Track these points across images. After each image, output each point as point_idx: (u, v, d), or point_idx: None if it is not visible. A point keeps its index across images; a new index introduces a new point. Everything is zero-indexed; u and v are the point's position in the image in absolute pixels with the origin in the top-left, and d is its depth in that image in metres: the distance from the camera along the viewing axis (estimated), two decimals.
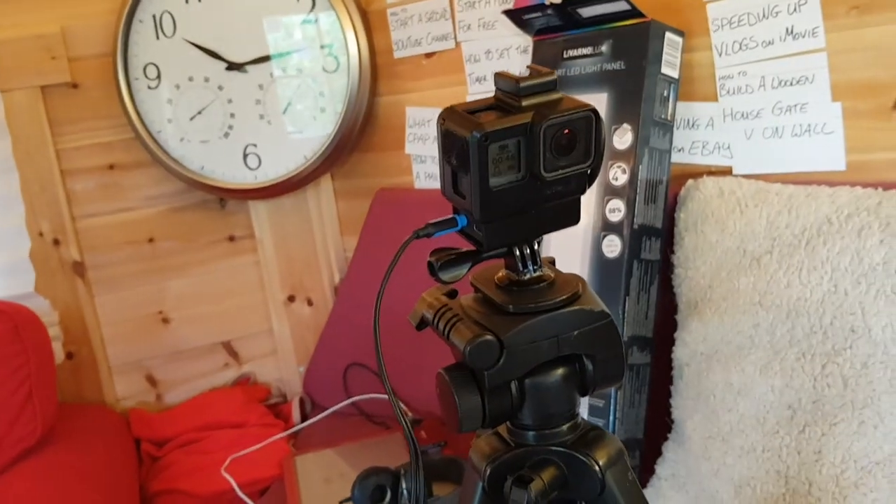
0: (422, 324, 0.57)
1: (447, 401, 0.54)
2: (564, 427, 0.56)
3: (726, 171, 1.20)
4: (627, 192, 1.12)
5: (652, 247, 1.16)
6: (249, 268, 1.77)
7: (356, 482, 1.28)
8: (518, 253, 0.55)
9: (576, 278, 0.56)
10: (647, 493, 1.15)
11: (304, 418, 1.69)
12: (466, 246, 0.56)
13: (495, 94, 0.53)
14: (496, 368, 0.52)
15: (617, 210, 1.13)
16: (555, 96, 0.51)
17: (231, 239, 1.75)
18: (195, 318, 1.74)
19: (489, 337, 0.52)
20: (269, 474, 1.49)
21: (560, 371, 0.55)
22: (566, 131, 0.51)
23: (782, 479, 0.99)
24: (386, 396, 1.68)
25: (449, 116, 0.52)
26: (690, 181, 1.18)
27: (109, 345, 1.68)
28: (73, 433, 1.49)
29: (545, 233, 0.56)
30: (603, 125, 0.53)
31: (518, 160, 0.51)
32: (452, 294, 0.57)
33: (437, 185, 1.60)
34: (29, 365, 1.41)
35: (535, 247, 0.55)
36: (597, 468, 0.54)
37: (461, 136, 0.50)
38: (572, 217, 0.56)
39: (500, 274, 0.57)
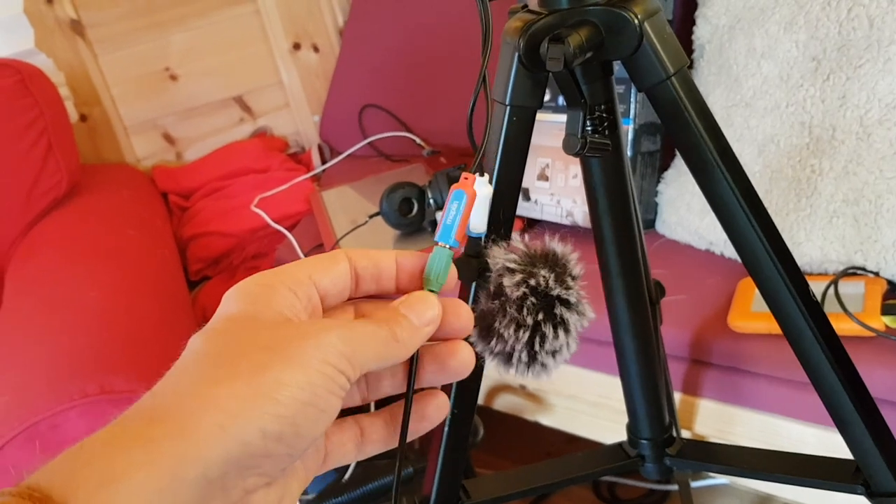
0: None
1: None
2: None
3: None
4: None
5: None
6: (250, 17, 1.71)
7: (383, 196, 1.30)
8: None
9: None
10: (668, 172, 1.17)
11: (323, 164, 1.71)
12: None
13: None
14: None
15: None
16: None
17: None
18: (202, 72, 1.71)
19: None
20: (297, 210, 1.52)
21: None
22: None
23: (806, 130, 0.99)
24: (402, 134, 1.68)
25: None
26: None
27: (121, 104, 1.66)
28: (100, 187, 1.52)
29: None
30: None
31: None
32: None
33: None
34: (44, 118, 1.41)
35: None
36: (635, 20, 0.53)
37: None
38: None
39: None
